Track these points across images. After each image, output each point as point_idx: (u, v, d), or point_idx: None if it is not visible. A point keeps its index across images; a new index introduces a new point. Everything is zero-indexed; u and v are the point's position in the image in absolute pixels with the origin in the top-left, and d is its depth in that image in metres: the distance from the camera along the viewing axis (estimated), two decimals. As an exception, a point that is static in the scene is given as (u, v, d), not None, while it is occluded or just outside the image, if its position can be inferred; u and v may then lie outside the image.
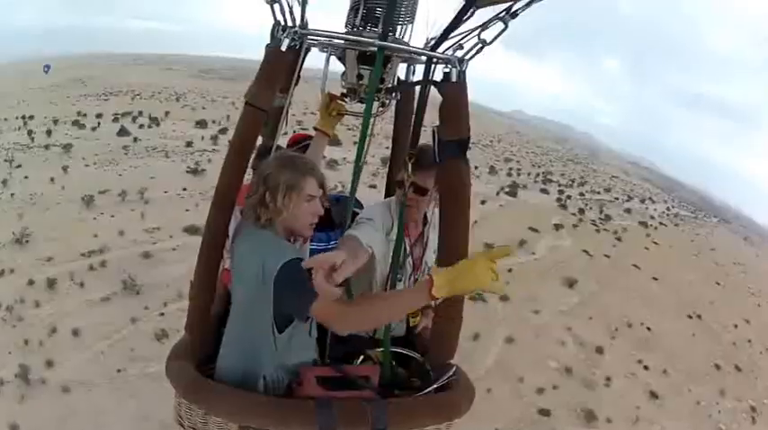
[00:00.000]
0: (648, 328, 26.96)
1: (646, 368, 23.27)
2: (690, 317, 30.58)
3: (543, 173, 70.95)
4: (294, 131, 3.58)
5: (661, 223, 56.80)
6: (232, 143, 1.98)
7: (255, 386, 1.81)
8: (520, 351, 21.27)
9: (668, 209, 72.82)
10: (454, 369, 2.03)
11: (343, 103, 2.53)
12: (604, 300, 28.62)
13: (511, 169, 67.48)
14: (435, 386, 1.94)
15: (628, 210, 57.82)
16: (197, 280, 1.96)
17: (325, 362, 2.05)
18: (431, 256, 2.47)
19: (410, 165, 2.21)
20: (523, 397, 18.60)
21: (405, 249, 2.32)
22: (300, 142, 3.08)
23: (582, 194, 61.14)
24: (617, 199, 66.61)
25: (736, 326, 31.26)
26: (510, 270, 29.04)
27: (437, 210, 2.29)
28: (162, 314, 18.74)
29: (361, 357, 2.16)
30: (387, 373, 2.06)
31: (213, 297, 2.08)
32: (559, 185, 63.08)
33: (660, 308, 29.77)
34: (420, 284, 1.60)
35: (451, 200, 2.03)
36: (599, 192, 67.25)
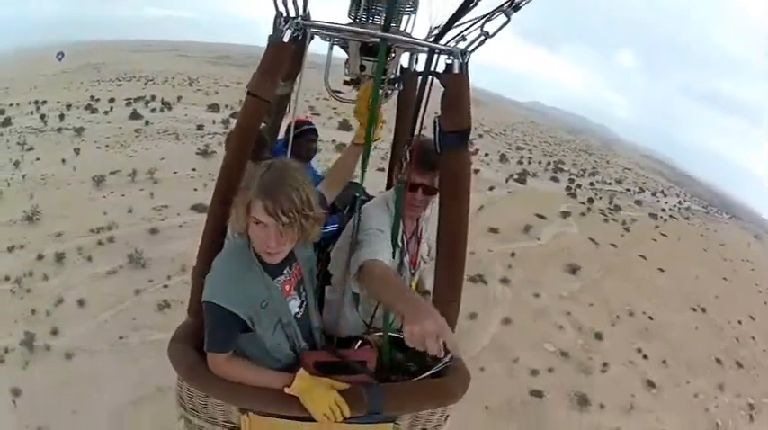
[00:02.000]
0: (650, 318, 26.60)
1: (645, 357, 22.97)
2: (693, 309, 30.13)
3: (555, 162, 70.28)
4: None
5: (671, 216, 56.11)
6: (234, 133, 2.00)
7: None
8: (516, 332, 21.11)
9: (680, 202, 72.07)
10: (451, 354, 1.93)
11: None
12: (607, 287, 28.28)
13: (522, 157, 66.93)
14: (432, 371, 1.93)
15: (638, 202, 57.20)
16: (199, 264, 1.96)
17: (324, 347, 2.09)
18: (424, 250, 2.52)
19: (417, 167, 2.14)
20: (516, 377, 18.48)
21: (402, 248, 2.30)
22: (300, 127, 3.06)
23: (592, 184, 60.53)
24: (628, 190, 65.90)
25: (740, 322, 30.76)
26: (513, 254, 28.85)
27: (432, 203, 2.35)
28: (165, 286, 19.20)
29: (359, 342, 2.13)
30: (386, 358, 2.07)
31: None
32: (570, 175, 62.52)
33: (664, 299, 29.38)
34: (287, 377, 1.75)
35: (451, 192, 2.02)
36: (610, 183, 66.58)
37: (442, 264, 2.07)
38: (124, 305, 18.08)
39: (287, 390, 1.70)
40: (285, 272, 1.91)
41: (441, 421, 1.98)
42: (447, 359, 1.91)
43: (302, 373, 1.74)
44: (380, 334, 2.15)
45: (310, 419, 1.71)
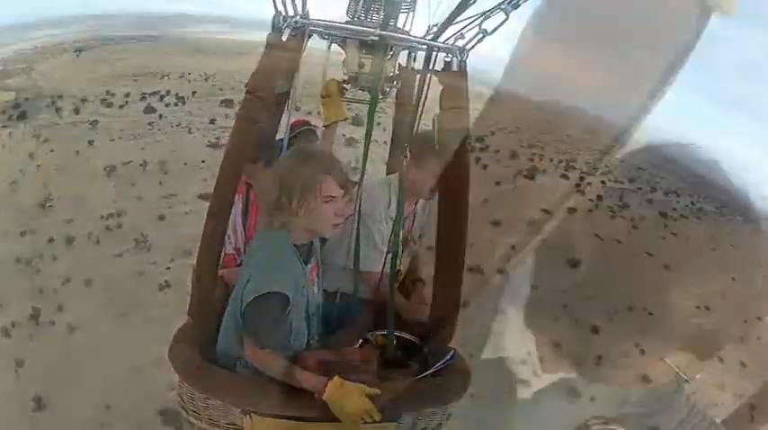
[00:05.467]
0: (650, 313, 26.13)
1: (642, 352, 22.53)
2: (698, 307, 29.56)
3: (567, 160, 69.25)
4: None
5: (682, 215, 55.04)
6: (233, 132, 2.07)
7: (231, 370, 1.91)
8: (509, 322, 20.85)
9: (692, 203, 70.60)
10: (452, 353, 2.15)
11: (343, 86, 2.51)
12: (608, 281, 27.15)
13: (533, 154, 65.99)
14: (433, 370, 2.01)
15: (649, 201, 56.27)
16: (199, 265, 1.98)
17: (327, 347, 2.10)
18: (415, 230, 2.66)
19: (408, 159, 2.29)
20: (505, 366, 18.28)
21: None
22: (300, 127, 3.10)
23: (603, 183, 59.41)
24: (640, 189, 64.71)
25: (745, 321, 30.06)
26: (513, 247, 28.55)
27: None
28: (168, 268, 19.92)
29: (360, 341, 2.18)
30: (390, 355, 2.14)
31: (215, 282, 2.13)
32: (582, 172, 61.59)
33: (667, 295, 28.89)
34: (320, 382, 1.71)
35: (450, 191, 2.04)
36: (622, 182, 65.49)
37: (440, 271, 2.10)
38: (128, 285, 18.75)
39: (322, 397, 1.68)
40: (312, 260, 1.95)
41: (442, 420, 2.06)
42: (448, 357, 2.07)
43: (336, 381, 1.71)
44: (382, 333, 2.19)
45: (312, 419, 1.73)
